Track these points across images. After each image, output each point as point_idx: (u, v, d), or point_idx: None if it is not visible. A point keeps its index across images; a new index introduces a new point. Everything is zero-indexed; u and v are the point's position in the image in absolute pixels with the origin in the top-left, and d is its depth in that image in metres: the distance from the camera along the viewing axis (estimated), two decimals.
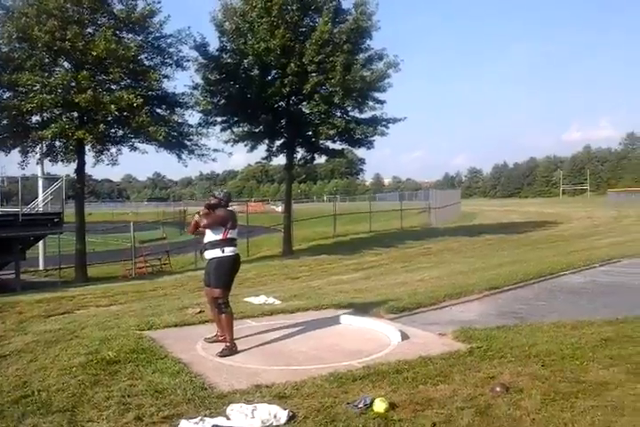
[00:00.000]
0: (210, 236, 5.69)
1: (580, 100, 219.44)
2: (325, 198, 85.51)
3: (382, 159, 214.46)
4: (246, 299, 8.40)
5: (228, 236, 5.71)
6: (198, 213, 5.96)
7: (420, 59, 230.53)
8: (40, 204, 19.88)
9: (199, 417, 3.72)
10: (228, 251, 5.69)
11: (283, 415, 3.75)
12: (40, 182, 21.26)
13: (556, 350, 5.17)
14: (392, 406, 3.88)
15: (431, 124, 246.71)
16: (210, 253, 5.70)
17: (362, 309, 7.43)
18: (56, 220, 18.28)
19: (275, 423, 3.69)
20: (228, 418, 3.75)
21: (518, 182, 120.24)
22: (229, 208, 5.95)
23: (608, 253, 13.03)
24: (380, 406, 3.84)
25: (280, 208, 25.92)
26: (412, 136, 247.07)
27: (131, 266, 18.20)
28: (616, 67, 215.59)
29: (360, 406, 3.89)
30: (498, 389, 4.17)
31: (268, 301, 8.34)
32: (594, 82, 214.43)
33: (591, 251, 13.80)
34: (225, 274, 5.70)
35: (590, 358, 4.94)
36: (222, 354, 5.38)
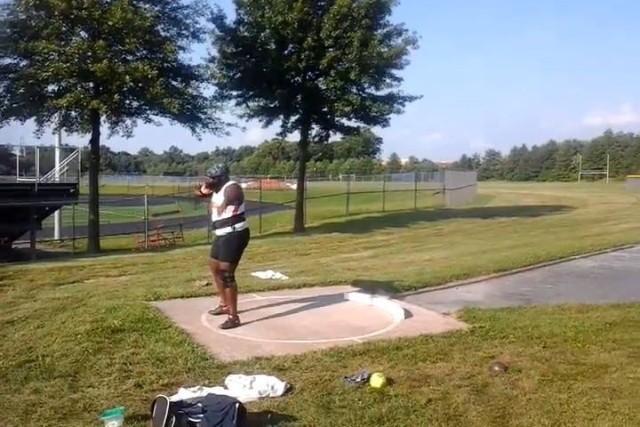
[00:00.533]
0: (220, 213, 5.65)
1: (603, 85, 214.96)
2: (340, 177, 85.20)
3: (400, 139, 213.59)
4: (254, 273, 8.44)
5: (238, 212, 5.70)
6: (199, 188, 5.94)
7: (439, 38, 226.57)
8: (56, 174, 20.08)
9: (198, 386, 3.78)
10: (239, 227, 5.71)
11: (280, 387, 3.79)
12: (57, 153, 21.41)
13: (558, 333, 5.16)
14: (389, 381, 3.91)
15: (450, 106, 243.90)
16: (221, 231, 5.72)
17: (368, 286, 7.43)
18: (72, 190, 18.48)
19: (271, 395, 3.73)
20: (226, 388, 3.80)
21: (536, 166, 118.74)
22: (233, 182, 5.87)
23: (621, 238, 12.87)
24: (376, 380, 3.87)
25: (295, 185, 25.86)
26: (431, 117, 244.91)
27: (143, 238, 18.36)
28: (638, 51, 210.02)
29: (357, 380, 3.92)
30: (496, 368, 4.17)
31: (275, 276, 8.38)
32: (617, 66, 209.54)
33: (604, 236, 13.64)
34: (235, 249, 5.74)
35: (593, 341, 4.92)
36: (224, 326, 5.43)
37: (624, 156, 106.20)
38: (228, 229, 5.66)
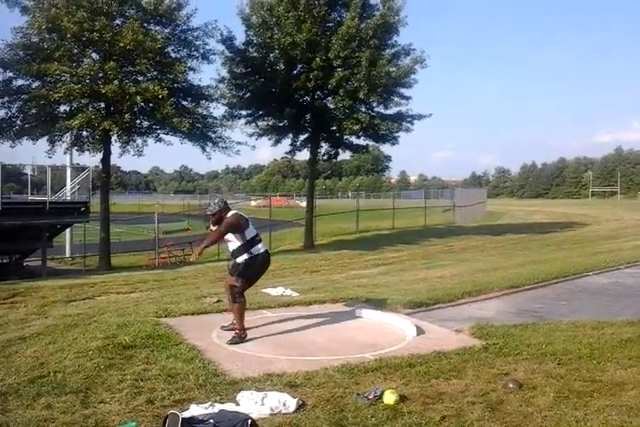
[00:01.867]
0: (233, 244, 5.79)
1: (612, 102, 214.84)
2: (350, 194, 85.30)
3: (409, 157, 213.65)
4: (264, 290, 8.44)
5: (248, 238, 5.78)
6: (209, 227, 6.07)
7: (447, 57, 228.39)
8: (68, 193, 20.27)
9: (209, 402, 3.76)
10: (255, 251, 5.80)
11: (292, 404, 3.76)
12: (68, 172, 21.68)
13: (573, 350, 5.09)
14: (402, 398, 3.87)
15: (459, 124, 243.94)
16: (240, 259, 5.82)
17: (379, 303, 7.40)
18: (82, 209, 18.65)
19: (283, 411, 3.70)
20: (238, 404, 3.78)
21: (547, 183, 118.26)
22: (231, 213, 5.86)
23: (634, 255, 12.74)
24: (389, 397, 3.83)
25: (304, 203, 25.93)
26: (439, 135, 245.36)
27: (154, 256, 18.42)
28: None
29: (370, 397, 3.88)
30: (511, 385, 4.12)
31: (285, 292, 8.37)
32: (626, 83, 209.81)
33: (617, 252, 13.51)
34: (251, 272, 5.83)
35: (608, 358, 4.85)
36: (232, 342, 5.46)
37: (635, 173, 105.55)
38: (245, 256, 5.77)
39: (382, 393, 3.88)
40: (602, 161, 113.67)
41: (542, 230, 23.22)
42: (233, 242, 5.79)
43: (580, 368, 4.58)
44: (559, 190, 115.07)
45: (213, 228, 5.94)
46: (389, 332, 5.98)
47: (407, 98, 18.35)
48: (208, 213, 5.90)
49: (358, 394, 3.96)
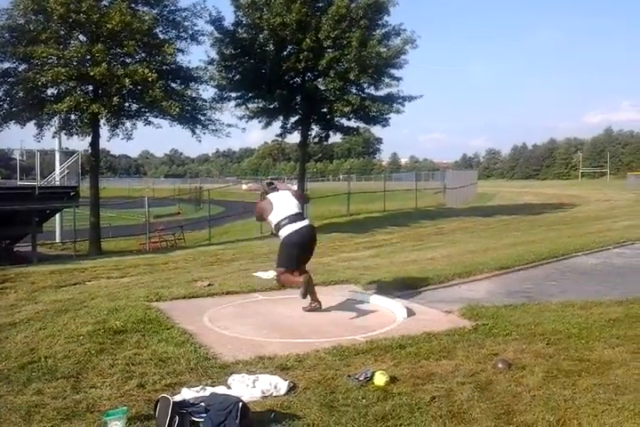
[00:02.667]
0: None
1: (602, 83, 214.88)
2: (341, 177, 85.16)
3: (400, 139, 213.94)
4: (255, 273, 8.42)
5: (274, 222, 6.02)
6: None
7: (439, 38, 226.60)
8: (57, 177, 20.11)
9: (201, 386, 3.76)
10: (282, 234, 6.00)
11: (283, 386, 3.78)
12: (57, 156, 21.46)
13: (562, 329, 5.14)
14: (393, 379, 3.89)
15: (450, 105, 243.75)
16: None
17: (370, 285, 7.43)
18: (72, 193, 18.53)
19: (275, 394, 3.72)
20: (229, 387, 3.79)
21: (537, 164, 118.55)
22: (274, 193, 6.20)
23: (623, 235, 12.83)
24: (380, 379, 3.85)
25: (295, 186, 25.87)
26: (430, 117, 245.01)
27: (145, 240, 18.37)
28: (637, 49, 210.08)
29: (361, 378, 3.90)
30: (500, 365, 4.15)
31: None
32: (616, 63, 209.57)
33: (606, 233, 13.61)
34: (282, 254, 6.01)
35: (596, 337, 4.90)
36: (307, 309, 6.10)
37: (624, 153, 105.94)
38: (279, 240, 6.10)
39: (373, 375, 3.90)
40: (592, 142, 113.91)
41: (532, 211, 23.33)
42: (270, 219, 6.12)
43: (569, 348, 4.63)
44: (549, 171, 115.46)
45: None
46: (380, 314, 6.01)
47: (398, 79, 18.23)
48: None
49: (349, 376, 3.98)
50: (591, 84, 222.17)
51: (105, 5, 15.20)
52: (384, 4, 17.17)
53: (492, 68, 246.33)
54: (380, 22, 17.74)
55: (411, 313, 5.89)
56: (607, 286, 7.53)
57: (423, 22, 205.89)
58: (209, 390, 3.67)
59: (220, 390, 3.72)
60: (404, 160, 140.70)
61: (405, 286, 7.36)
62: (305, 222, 6.04)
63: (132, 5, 15.28)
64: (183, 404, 3.32)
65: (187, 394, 3.61)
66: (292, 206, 6.04)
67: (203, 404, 3.31)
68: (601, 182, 78.56)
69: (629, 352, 4.48)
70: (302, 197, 6.65)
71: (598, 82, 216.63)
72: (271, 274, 8.46)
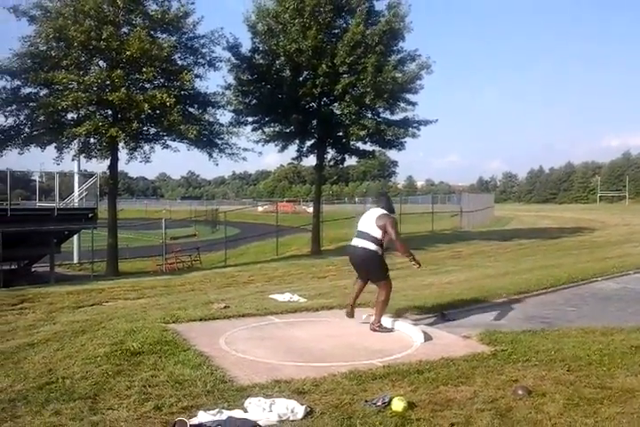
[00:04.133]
0: None
1: (620, 106, 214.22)
2: (357, 200, 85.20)
3: (416, 162, 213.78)
4: (271, 296, 8.43)
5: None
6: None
7: (454, 63, 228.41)
8: (75, 199, 20.41)
9: (217, 409, 3.74)
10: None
11: (300, 410, 3.75)
12: (76, 178, 21.82)
13: (582, 356, 5.05)
14: (411, 405, 3.84)
15: (467, 129, 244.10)
16: None
17: (387, 309, 7.36)
18: (90, 215, 18.76)
19: (291, 418, 3.69)
20: (246, 411, 3.77)
21: (554, 188, 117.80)
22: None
23: None
24: (398, 404, 3.80)
25: (311, 208, 25.98)
26: (447, 140, 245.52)
27: (162, 262, 18.47)
28: None
29: (378, 404, 3.86)
30: (520, 392, 4.09)
31: (293, 298, 8.35)
32: (633, 87, 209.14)
33: (625, 258, 13.42)
34: None
35: (618, 364, 4.80)
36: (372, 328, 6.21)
37: None
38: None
39: (390, 400, 3.86)
40: (610, 165, 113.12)
41: (550, 236, 23.11)
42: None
43: (590, 375, 4.54)
44: (567, 195, 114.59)
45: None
46: (397, 338, 5.96)
47: (413, 103, 18.44)
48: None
49: (366, 401, 3.93)
50: (608, 108, 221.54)
51: (125, 33, 15.62)
52: (399, 31, 17.45)
53: (507, 89, 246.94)
54: (394, 48, 18.00)
55: (428, 338, 5.83)
56: (628, 312, 7.40)
57: (435, 42, 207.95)
58: (225, 414, 3.65)
59: (237, 413, 3.70)
60: (419, 183, 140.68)
61: (422, 311, 7.30)
62: (356, 240, 6.38)
63: (152, 33, 15.68)
64: None
65: (203, 417, 3.60)
66: (363, 223, 6.39)
67: None
68: (619, 206, 77.69)
69: None
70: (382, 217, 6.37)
71: (616, 105, 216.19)
72: (287, 296, 8.47)
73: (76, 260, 22.76)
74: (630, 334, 5.92)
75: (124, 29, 15.80)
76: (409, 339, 5.87)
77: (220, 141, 17.46)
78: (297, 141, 19.50)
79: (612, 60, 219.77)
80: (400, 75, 17.37)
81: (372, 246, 6.23)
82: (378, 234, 6.19)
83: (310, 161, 21.32)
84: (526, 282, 9.43)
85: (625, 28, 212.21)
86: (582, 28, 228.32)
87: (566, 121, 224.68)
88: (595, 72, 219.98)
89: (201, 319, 6.76)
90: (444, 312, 7.27)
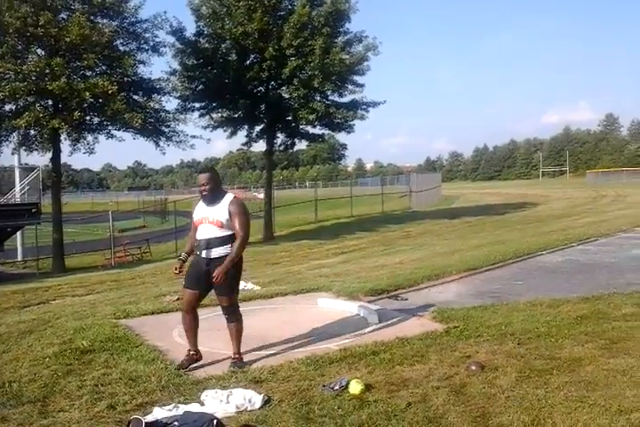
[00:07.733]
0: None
1: (560, 83, 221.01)
2: (307, 184, 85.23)
3: (364, 145, 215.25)
4: None
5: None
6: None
7: (400, 42, 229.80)
8: (17, 194, 19.56)
9: (173, 404, 3.68)
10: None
11: (257, 400, 3.72)
12: (17, 173, 20.87)
13: (531, 329, 5.21)
14: (368, 387, 3.87)
15: (412, 110, 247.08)
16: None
17: (341, 292, 7.41)
18: (33, 210, 18.03)
19: (249, 408, 3.66)
20: (203, 404, 3.71)
21: (499, 165, 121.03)
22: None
23: (585, 232, 13.17)
24: (355, 387, 3.83)
25: (262, 195, 25.80)
26: (393, 121, 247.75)
27: (110, 255, 18.00)
28: (594, 49, 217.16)
29: (336, 388, 3.87)
30: (473, 367, 4.18)
31: (247, 286, 8.27)
32: (573, 63, 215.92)
33: (568, 231, 13.93)
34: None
35: (565, 335, 4.98)
36: (238, 366, 4.47)
37: (583, 152, 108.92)
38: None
39: (348, 383, 3.88)
40: (551, 142, 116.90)
41: (496, 212, 23.76)
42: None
43: (539, 347, 4.69)
44: (511, 172, 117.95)
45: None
46: (352, 320, 6.00)
47: (361, 85, 18.46)
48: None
49: (324, 386, 3.95)
50: (549, 85, 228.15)
51: (63, 18, 14.96)
52: (345, 12, 17.35)
53: (451, 70, 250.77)
54: (341, 30, 17.93)
55: (382, 319, 5.90)
56: (573, 284, 7.69)
57: (385, 26, 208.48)
58: (182, 408, 3.59)
59: (194, 407, 3.64)
60: (369, 165, 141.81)
61: (376, 291, 7.37)
62: None
63: (91, 18, 15.06)
64: (156, 424, 3.24)
65: (159, 413, 3.52)
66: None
67: (176, 423, 3.24)
68: (561, 181, 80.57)
69: (598, 348, 4.56)
70: None
71: (556, 82, 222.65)
72: (241, 285, 8.38)
73: (20, 257, 21.91)
74: (576, 304, 6.16)
75: (63, 15, 15.13)
76: (363, 321, 5.91)
77: (166, 129, 17.07)
78: (246, 127, 19.28)
79: (555, 39, 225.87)
80: (347, 56, 17.32)
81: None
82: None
83: (260, 146, 21.16)
84: (475, 259, 9.66)
85: (567, 4, 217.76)
86: (524, 4, 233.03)
87: (510, 99, 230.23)
88: (537, 51, 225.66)
89: (153, 313, 6.62)
90: (396, 293, 7.37)
